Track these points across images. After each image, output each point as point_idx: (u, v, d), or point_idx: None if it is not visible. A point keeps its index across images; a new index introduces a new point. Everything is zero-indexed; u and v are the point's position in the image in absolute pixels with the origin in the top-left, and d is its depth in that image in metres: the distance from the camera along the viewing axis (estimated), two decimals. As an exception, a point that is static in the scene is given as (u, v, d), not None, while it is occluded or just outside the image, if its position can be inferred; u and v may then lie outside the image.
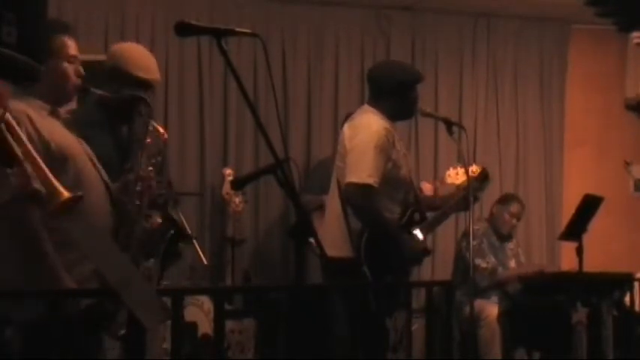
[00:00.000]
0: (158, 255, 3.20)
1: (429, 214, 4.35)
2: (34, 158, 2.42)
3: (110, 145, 3.42)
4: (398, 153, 4.10)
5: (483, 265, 5.68)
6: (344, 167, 4.03)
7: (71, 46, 2.87)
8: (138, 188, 3.02)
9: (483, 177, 4.53)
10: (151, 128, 3.28)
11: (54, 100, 2.83)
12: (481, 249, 5.71)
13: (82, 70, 2.92)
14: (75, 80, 2.89)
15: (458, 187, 4.55)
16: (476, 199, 4.43)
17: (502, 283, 5.66)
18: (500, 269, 5.75)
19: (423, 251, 4.26)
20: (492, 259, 5.74)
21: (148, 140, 3.20)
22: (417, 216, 4.20)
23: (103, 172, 2.88)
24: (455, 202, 4.36)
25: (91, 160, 2.87)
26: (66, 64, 2.85)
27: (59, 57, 2.83)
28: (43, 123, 2.72)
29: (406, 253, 4.09)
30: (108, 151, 3.27)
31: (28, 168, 2.41)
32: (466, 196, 4.26)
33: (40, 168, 2.42)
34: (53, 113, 2.82)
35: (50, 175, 2.42)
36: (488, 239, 5.83)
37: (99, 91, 3.16)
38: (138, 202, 3.03)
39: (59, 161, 2.70)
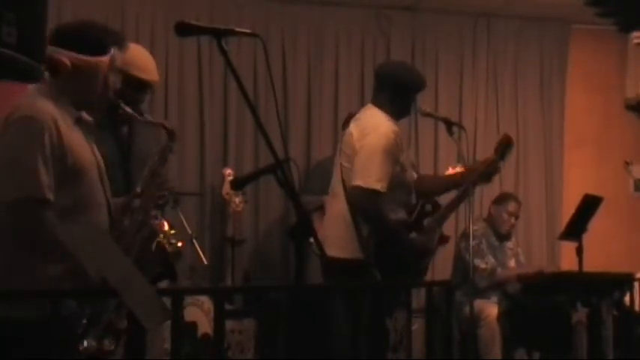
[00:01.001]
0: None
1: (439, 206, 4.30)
2: None
3: (113, 146, 3.42)
4: (405, 156, 4.11)
5: (482, 265, 5.67)
6: (352, 168, 4.01)
7: (118, 59, 2.85)
8: (139, 218, 2.99)
9: (506, 144, 4.28)
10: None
11: (83, 105, 2.81)
12: (480, 249, 5.70)
13: (118, 84, 2.91)
14: (108, 93, 2.87)
15: (482, 161, 4.35)
16: (497, 170, 4.25)
17: (501, 283, 5.65)
18: (499, 270, 5.74)
19: (440, 240, 4.24)
20: (491, 260, 5.74)
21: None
22: (428, 207, 4.17)
23: (107, 187, 2.86)
24: (477, 174, 4.19)
25: (100, 174, 2.84)
26: (112, 76, 2.83)
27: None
28: (66, 132, 2.69)
29: (415, 253, 4.09)
30: (111, 152, 3.26)
31: None
32: (488, 171, 4.17)
33: None
34: (78, 121, 2.79)
35: None
36: (487, 239, 5.83)
37: (129, 110, 3.11)
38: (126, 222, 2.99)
39: (73, 175, 2.69)
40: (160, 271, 3.11)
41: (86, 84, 2.79)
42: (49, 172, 2.61)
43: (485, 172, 4.20)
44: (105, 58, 2.77)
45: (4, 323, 2.56)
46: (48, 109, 2.67)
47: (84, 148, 2.76)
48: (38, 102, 2.68)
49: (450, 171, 4.68)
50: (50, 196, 2.61)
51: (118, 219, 2.91)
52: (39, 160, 2.59)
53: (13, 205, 2.59)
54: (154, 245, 3.07)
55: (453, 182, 4.33)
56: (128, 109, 3.11)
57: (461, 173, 4.35)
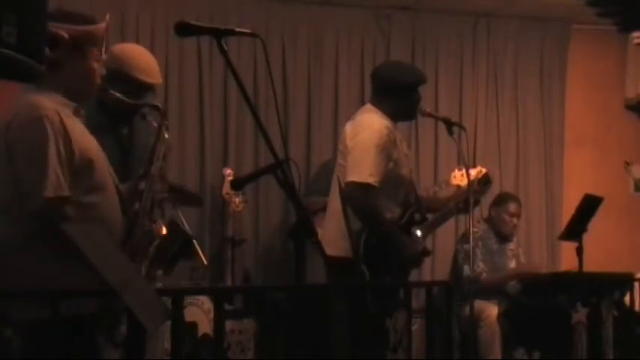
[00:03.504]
0: (161, 266, 3.18)
1: (429, 216, 4.35)
2: None
3: (112, 147, 3.42)
4: (399, 152, 4.10)
5: (467, 272, 5.63)
6: (345, 165, 4.03)
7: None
8: (149, 198, 3.02)
9: (485, 180, 4.53)
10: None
11: (75, 98, 2.81)
12: (474, 254, 5.65)
13: (103, 70, 2.92)
14: (98, 80, 2.89)
15: (459, 189, 4.55)
16: (477, 202, 4.43)
17: (485, 289, 5.61)
18: (484, 275, 5.69)
19: (422, 253, 4.26)
20: (481, 266, 5.70)
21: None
22: (417, 216, 4.21)
23: (113, 174, 2.89)
24: (455, 204, 4.36)
25: (106, 162, 2.86)
26: (95, 64, 2.84)
27: (88, 55, 2.82)
28: (70, 124, 2.71)
29: (404, 255, 4.09)
30: (111, 153, 3.26)
31: None
32: (467, 199, 4.26)
33: None
34: (76, 112, 2.80)
35: None
36: (484, 242, 5.79)
37: (117, 94, 3.14)
38: (137, 206, 3.03)
39: (84, 167, 2.70)
40: (177, 250, 3.13)
41: (81, 68, 2.79)
42: (63, 169, 2.63)
43: (461, 207, 4.34)
44: (101, 26, 2.78)
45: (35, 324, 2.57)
46: (49, 104, 2.67)
47: (88, 137, 2.78)
48: (38, 99, 2.68)
49: (456, 173, 4.69)
50: (65, 192, 2.64)
51: (129, 204, 2.93)
52: (50, 160, 2.61)
53: (38, 213, 2.61)
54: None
55: (435, 205, 4.47)
56: (117, 94, 3.15)
57: (447, 198, 4.54)
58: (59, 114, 2.67)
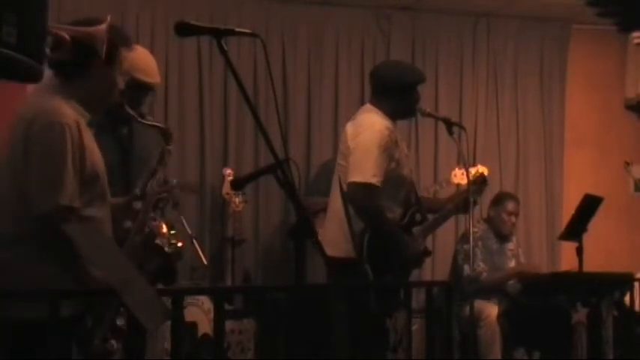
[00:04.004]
0: None
1: (429, 216, 4.35)
2: None
3: (112, 147, 3.42)
4: (401, 152, 4.11)
5: (468, 272, 5.63)
6: (346, 166, 4.03)
7: (125, 59, 2.90)
8: (141, 220, 3.01)
9: (481, 181, 4.54)
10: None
11: (91, 106, 2.82)
12: (474, 254, 5.65)
13: (122, 84, 2.93)
14: (116, 91, 2.89)
15: (458, 189, 4.55)
16: (475, 203, 4.42)
17: (486, 288, 5.61)
18: (484, 274, 5.69)
19: (423, 253, 4.26)
20: (481, 265, 5.69)
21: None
22: (418, 216, 4.21)
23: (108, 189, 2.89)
24: (454, 204, 4.36)
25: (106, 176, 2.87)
26: (119, 77, 2.85)
27: (115, 67, 2.83)
28: (85, 137, 2.72)
29: (407, 255, 4.09)
30: (110, 153, 3.27)
31: None
32: (466, 199, 4.26)
33: None
34: (89, 124, 2.81)
35: None
36: (484, 242, 5.79)
37: (132, 112, 3.14)
38: (129, 224, 3.02)
39: (91, 179, 2.71)
40: (155, 272, 3.11)
41: (109, 79, 2.80)
42: (74, 178, 2.64)
43: (460, 207, 4.34)
44: (102, 27, 2.78)
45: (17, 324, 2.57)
46: (71, 112, 2.68)
47: (97, 151, 2.79)
48: (60, 104, 2.68)
49: (456, 171, 4.69)
50: (76, 203, 2.64)
51: (118, 219, 2.92)
52: (68, 170, 2.62)
53: (45, 217, 2.60)
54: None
55: (434, 205, 4.47)
56: (130, 110, 3.13)
57: (446, 199, 4.55)
58: (78, 124, 2.68)
